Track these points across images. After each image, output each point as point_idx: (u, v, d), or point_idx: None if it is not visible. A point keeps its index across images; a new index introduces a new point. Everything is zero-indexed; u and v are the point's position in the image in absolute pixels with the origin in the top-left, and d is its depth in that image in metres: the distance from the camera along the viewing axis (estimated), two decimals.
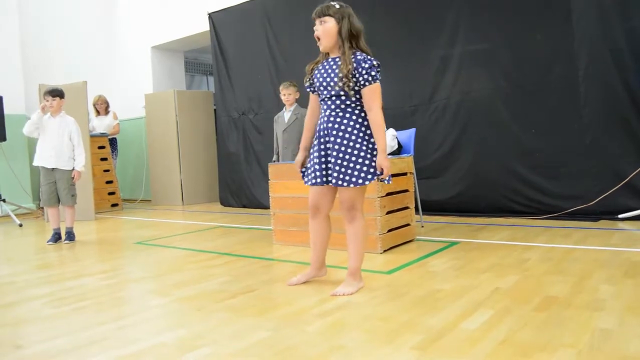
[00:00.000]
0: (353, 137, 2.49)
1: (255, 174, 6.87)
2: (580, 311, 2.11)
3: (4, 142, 6.93)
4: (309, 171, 2.67)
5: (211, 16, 7.26)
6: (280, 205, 4.05)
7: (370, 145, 2.51)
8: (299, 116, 4.96)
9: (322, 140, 2.58)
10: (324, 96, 2.58)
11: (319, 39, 2.54)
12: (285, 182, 4.01)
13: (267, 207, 5.21)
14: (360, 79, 2.44)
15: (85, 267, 3.61)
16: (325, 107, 2.59)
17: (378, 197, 3.46)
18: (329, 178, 2.55)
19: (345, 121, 2.51)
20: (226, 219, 6.01)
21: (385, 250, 3.54)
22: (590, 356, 1.68)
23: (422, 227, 4.50)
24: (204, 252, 3.95)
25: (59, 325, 2.32)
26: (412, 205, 3.91)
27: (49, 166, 4.70)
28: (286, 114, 5.04)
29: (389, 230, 3.58)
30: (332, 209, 2.72)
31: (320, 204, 2.68)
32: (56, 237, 4.71)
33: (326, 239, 2.76)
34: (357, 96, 2.50)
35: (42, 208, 6.46)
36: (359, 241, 2.60)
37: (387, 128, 4.25)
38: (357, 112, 2.52)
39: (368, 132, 2.51)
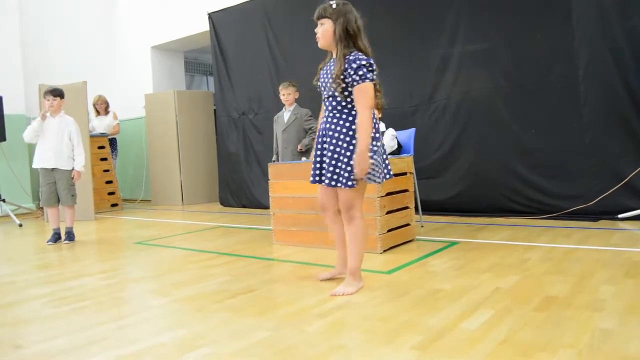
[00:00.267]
0: (347, 138, 2.49)
1: (255, 174, 6.87)
2: (580, 311, 2.11)
3: (3, 142, 6.93)
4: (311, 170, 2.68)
5: (211, 16, 7.26)
6: (280, 205, 4.05)
7: None
8: (298, 116, 4.96)
9: (319, 140, 2.61)
10: (324, 96, 2.60)
11: (318, 39, 2.57)
12: (285, 182, 4.00)
13: (267, 207, 5.21)
14: (350, 79, 2.44)
15: (85, 267, 3.60)
16: (325, 107, 2.61)
17: (378, 197, 3.46)
18: (322, 178, 2.57)
19: (341, 122, 2.52)
20: (226, 219, 6.01)
21: (385, 250, 3.54)
22: (591, 356, 1.68)
23: (422, 227, 4.50)
24: (204, 252, 3.95)
25: (59, 325, 2.31)
26: (412, 205, 3.91)
27: (49, 166, 4.69)
28: (285, 114, 5.04)
29: (389, 230, 3.58)
30: (336, 208, 2.70)
31: (325, 202, 2.70)
32: (56, 237, 4.71)
33: (342, 235, 2.75)
34: (351, 97, 2.50)
35: (42, 208, 6.46)
36: (358, 241, 2.60)
37: (387, 128, 4.26)
38: (351, 112, 2.51)
39: None
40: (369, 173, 2.47)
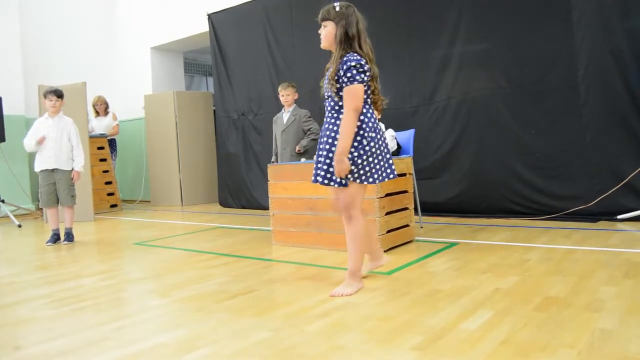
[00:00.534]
0: (338, 138, 2.50)
1: (254, 174, 6.87)
2: (580, 312, 2.11)
3: (3, 143, 6.93)
4: None
5: (210, 17, 7.27)
6: (279, 206, 4.05)
7: (358, 145, 2.49)
8: (297, 117, 4.96)
9: (320, 140, 2.63)
10: (325, 96, 2.63)
11: (321, 40, 2.61)
12: (284, 183, 4.00)
13: (266, 208, 5.21)
14: (340, 80, 2.47)
15: (85, 268, 3.60)
16: (325, 107, 2.65)
17: (377, 198, 3.46)
18: (317, 177, 2.59)
19: (338, 122, 2.53)
20: (225, 219, 6.00)
21: (384, 251, 3.51)
22: (590, 356, 1.68)
23: (422, 227, 4.50)
24: (204, 252, 3.95)
25: (59, 326, 2.31)
26: (412, 206, 3.91)
27: (50, 167, 4.69)
28: (285, 115, 5.04)
29: (388, 231, 3.58)
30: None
31: (336, 201, 2.72)
32: (55, 238, 4.70)
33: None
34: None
35: (41, 209, 6.46)
36: (358, 241, 2.60)
37: (387, 129, 4.26)
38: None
39: (362, 132, 2.49)
40: (355, 173, 2.49)
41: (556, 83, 4.49)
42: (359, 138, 2.50)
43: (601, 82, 4.30)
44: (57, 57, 8.33)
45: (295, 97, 5.02)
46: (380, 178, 2.56)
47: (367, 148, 2.49)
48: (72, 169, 4.76)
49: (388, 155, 2.63)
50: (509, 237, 3.90)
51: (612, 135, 4.28)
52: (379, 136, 2.55)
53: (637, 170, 4.14)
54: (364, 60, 2.48)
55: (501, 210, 4.81)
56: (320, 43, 2.64)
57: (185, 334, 2.09)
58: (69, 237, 4.74)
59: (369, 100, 2.55)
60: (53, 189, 4.72)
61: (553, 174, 4.55)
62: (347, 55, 2.47)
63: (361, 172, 2.50)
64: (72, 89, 6.44)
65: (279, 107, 5.17)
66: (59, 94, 4.73)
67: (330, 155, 2.53)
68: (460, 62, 5.01)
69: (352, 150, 2.48)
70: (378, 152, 2.54)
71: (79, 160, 4.79)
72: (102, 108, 7.88)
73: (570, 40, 4.40)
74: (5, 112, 6.92)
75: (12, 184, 7.25)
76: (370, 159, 2.51)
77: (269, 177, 4.12)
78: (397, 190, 3.72)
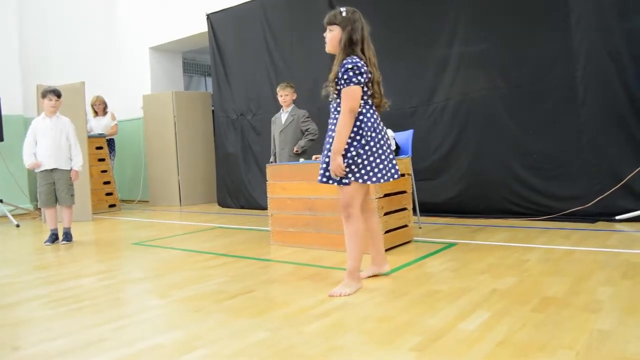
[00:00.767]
0: None
1: (253, 174, 6.87)
2: (578, 312, 2.11)
3: (1, 143, 6.92)
4: None
5: (209, 17, 7.26)
6: (278, 206, 4.05)
7: (357, 145, 2.52)
8: (295, 117, 4.95)
9: (326, 140, 2.67)
10: (330, 98, 2.67)
11: (326, 44, 2.67)
12: (283, 183, 4.01)
13: (265, 208, 5.20)
14: (339, 82, 2.52)
15: (83, 268, 3.60)
16: (330, 109, 2.69)
17: (376, 198, 3.46)
18: (322, 178, 2.63)
19: (335, 121, 2.58)
20: (224, 219, 6.00)
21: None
22: (588, 357, 1.68)
23: (420, 228, 4.51)
24: (202, 252, 3.95)
25: (57, 326, 2.31)
26: (410, 207, 3.91)
27: (49, 167, 4.68)
28: (283, 115, 5.03)
29: (387, 232, 3.58)
30: (362, 205, 2.69)
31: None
32: (53, 238, 4.70)
33: (368, 235, 2.79)
34: None
35: (40, 209, 6.45)
36: (356, 241, 2.62)
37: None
38: None
39: (361, 132, 2.53)
40: (356, 172, 2.52)
41: (554, 84, 4.49)
42: (358, 137, 2.53)
43: (599, 83, 4.30)
44: (55, 57, 8.31)
45: (294, 98, 5.02)
46: (385, 178, 2.59)
47: (366, 147, 2.52)
48: (71, 169, 4.77)
49: (391, 156, 2.65)
50: (508, 237, 3.90)
51: (610, 136, 4.28)
52: (379, 136, 2.57)
53: (635, 171, 4.15)
54: (361, 63, 2.50)
55: (500, 210, 4.81)
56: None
57: (184, 335, 2.09)
58: (67, 237, 4.73)
59: (369, 101, 2.58)
60: (52, 188, 4.71)
61: (551, 175, 4.56)
62: (347, 58, 2.51)
63: (362, 171, 2.53)
64: (70, 89, 6.43)
65: (278, 107, 5.17)
66: (58, 94, 4.73)
67: (327, 153, 2.57)
68: (458, 63, 5.01)
69: (352, 149, 2.52)
70: (380, 152, 2.56)
71: (77, 160, 4.79)
72: (100, 108, 7.87)
73: (569, 41, 4.40)
74: (3, 111, 6.91)
75: (10, 183, 7.24)
76: (371, 159, 2.53)
77: (268, 177, 4.12)
78: (396, 190, 3.73)
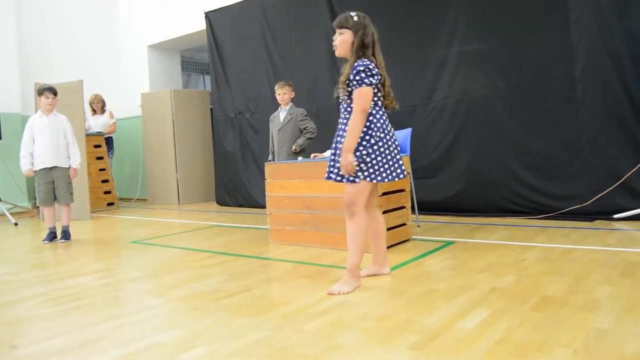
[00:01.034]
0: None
1: (251, 173, 6.86)
2: (576, 311, 2.11)
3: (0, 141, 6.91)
4: None
5: (208, 15, 7.25)
6: (276, 205, 4.05)
7: (366, 144, 2.58)
8: (294, 116, 4.95)
9: (335, 139, 2.71)
10: (340, 99, 2.72)
11: (335, 47, 2.68)
12: (281, 181, 4.00)
13: (263, 207, 5.21)
14: (351, 83, 2.57)
15: (81, 267, 3.60)
16: (340, 110, 2.73)
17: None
18: (331, 175, 2.69)
19: (346, 121, 2.63)
20: (222, 218, 6.00)
21: None
22: (586, 356, 1.68)
23: (419, 226, 4.51)
24: (200, 251, 3.95)
25: (55, 325, 2.31)
26: (408, 205, 3.91)
27: (49, 165, 4.67)
28: (281, 114, 5.03)
29: (385, 230, 3.57)
30: (366, 204, 2.71)
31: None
32: (52, 236, 4.70)
33: (372, 233, 2.82)
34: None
35: (38, 207, 6.44)
36: (358, 238, 2.64)
37: None
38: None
39: (370, 132, 2.59)
40: (365, 171, 2.57)
41: (554, 83, 4.49)
42: (367, 137, 2.59)
43: (599, 83, 4.30)
44: (53, 55, 8.30)
45: (292, 96, 5.01)
46: (390, 177, 2.64)
47: (375, 147, 2.59)
48: (70, 167, 4.76)
49: (398, 156, 2.70)
50: (506, 236, 3.91)
51: (609, 136, 4.29)
52: (388, 137, 2.64)
53: (633, 170, 4.15)
54: (373, 65, 2.57)
55: (499, 209, 4.82)
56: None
57: (182, 334, 2.09)
58: (66, 235, 4.73)
59: (379, 102, 2.64)
60: (51, 187, 4.71)
61: (551, 174, 4.56)
62: (359, 61, 2.58)
63: (370, 170, 2.59)
64: (68, 87, 6.43)
65: (276, 105, 5.17)
66: (54, 91, 4.72)
67: (339, 152, 2.62)
68: (458, 62, 5.01)
69: (361, 148, 2.58)
70: (387, 152, 2.63)
71: (75, 158, 4.79)
72: (99, 106, 7.86)
73: (569, 41, 4.40)
74: (1, 110, 6.90)
75: (9, 181, 7.23)
76: (379, 158, 2.59)
77: (266, 175, 4.12)
78: (394, 189, 3.73)
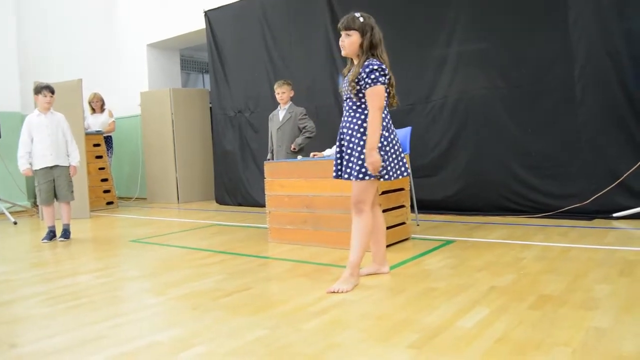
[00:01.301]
0: (357, 135, 2.64)
1: (251, 172, 6.86)
2: (574, 310, 2.12)
3: None
4: None
5: (207, 14, 7.25)
6: (275, 204, 4.05)
7: None
8: (293, 115, 4.95)
9: (339, 137, 2.75)
10: (344, 98, 2.75)
11: (343, 48, 2.71)
12: (280, 180, 4.00)
13: (262, 205, 5.21)
14: (363, 82, 2.60)
15: (81, 265, 3.60)
16: (344, 107, 2.76)
17: None
18: (340, 173, 2.73)
19: (354, 120, 2.67)
20: (222, 217, 6.00)
21: None
22: (584, 354, 1.68)
23: (418, 225, 4.51)
24: (200, 250, 3.95)
25: (55, 323, 2.31)
26: (408, 204, 3.92)
27: (50, 164, 4.67)
28: (281, 112, 5.03)
29: (385, 229, 3.58)
30: (373, 201, 2.75)
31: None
32: (51, 235, 4.70)
33: (375, 232, 2.82)
34: (365, 98, 2.64)
35: (37, 206, 6.44)
36: (363, 236, 2.66)
37: None
38: (364, 112, 2.64)
39: None
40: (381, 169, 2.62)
41: (553, 83, 4.49)
42: None
43: (598, 83, 4.30)
44: (53, 54, 8.29)
45: (291, 95, 5.01)
46: (395, 175, 2.68)
47: (380, 146, 2.61)
48: (70, 165, 4.76)
49: (402, 155, 2.74)
50: (506, 235, 3.91)
51: (608, 136, 4.29)
52: (392, 135, 2.69)
53: (632, 169, 4.15)
54: (384, 65, 2.63)
55: (498, 208, 4.82)
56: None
57: (181, 332, 2.09)
58: (66, 233, 4.73)
59: (385, 101, 2.67)
60: (52, 186, 4.70)
61: (550, 173, 4.56)
62: (369, 60, 2.62)
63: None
64: (67, 86, 6.42)
65: (276, 104, 5.16)
66: (52, 90, 4.72)
67: (349, 151, 2.66)
68: (457, 61, 5.00)
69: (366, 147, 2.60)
70: (392, 150, 2.67)
71: (74, 155, 4.79)
72: (98, 105, 7.85)
73: (568, 41, 4.40)
74: (1, 108, 6.89)
75: (8, 180, 7.23)
76: (385, 157, 2.63)
77: (266, 174, 4.12)
78: (394, 187, 3.73)
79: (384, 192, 3.58)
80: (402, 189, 3.84)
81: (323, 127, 5.37)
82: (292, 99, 5.04)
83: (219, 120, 7.29)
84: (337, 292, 2.54)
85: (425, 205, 5.06)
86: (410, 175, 4.25)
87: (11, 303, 2.70)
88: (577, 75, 4.37)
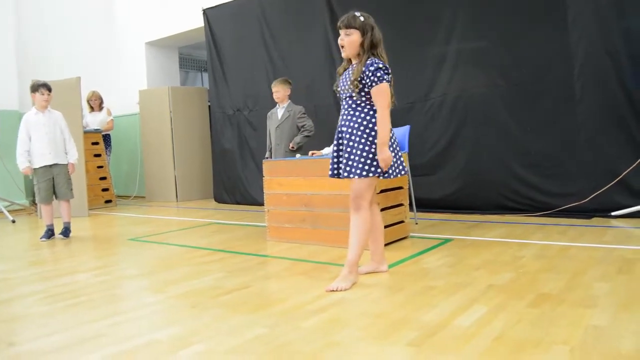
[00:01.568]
0: (359, 133, 2.64)
1: (249, 170, 6.86)
2: (573, 308, 2.12)
3: None
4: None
5: (206, 12, 7.23)
6: (274, 202, 4.05)
7: (373, 140, 2.62)
8: (291, 113, 4.94)
9: (337, 136, 2.76)
10: (343, 97, 2.75)
11: (342, 47, 2.71)
12: (279, 179, 4.00)
13: (261, 204, 5.21)
14: (367, 81, 2.61)
15: (79, 264, 3.59)
16: (342, 106, 2.77)
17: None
18: (339, 171, 2.73)
19: (354, 119, 2.67)
20: (220, 215, 6.00)
21: None
22: (583, 352, 1.69)
23: (416, 224, 4.51)
24: (198, 248, 3.95)
25: (53, 322, 2.31)
26: (406, 202, 3.92)
27: (49, 163, 4.66)
28: (279, 111, 5.02)
29: (383, 227, 3.58)
30: (371, 200, 2.76)
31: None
32: (50, 234, 4.69)
33: (373, 230, 2.82)
34: (367, 96, 2.65)
35: (36, 204, 6.43)
36: (361, 234, 2.66)
37: None
38: (365, 110, 2.65)
39: (375, 128, 2.63)
40: (370, 166, 2.61)
41: (553, 82, 4.49)
42: (373, 134, 2.63)
43: (597, 82, 4.30)
44: (51, 52, 8.26)
45: (287, 93, 4.99)
46: (394, 174, 2.69)
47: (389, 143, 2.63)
48: (68, 162, 4.76)
49: (400, 154, 2.76)
50: (504, 233, 3.91)
51: (608, 134, 4.29)
52: (390, 134, 2.69)
53: (631, 168, 4.16)
54: (387, 64, 2.66)
55: (496, 207, 4.83)
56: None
57: (180, 330, 2.09)
58: (67, 231, 4.73)
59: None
60: (51, 184, 4.70)
61: (549, 172, 4.56)
62: (372, 59, 2.63)
63: (374, 164, 2.62)
64: (66, 84, 6.41)
65: (275, 102, 5.16)
66: (49, 88, 4.71)
67: (349, 149, 2.66)
68: (456, 60, 5.00)
69: (368, 144, 2.62)
70: (391, 148, 2.67)
71: (72, 153, 4.79)
72: (96, 103, 7.84)
73: (567, 40, 4.40)
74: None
75: (6, 179, 7.21)
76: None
77: (264, 173, 4.12)
78: (392, 186, 3.73)
79: (382, 191, 3.58)
80: (400, 188, 3.84)
81: (322, 126, 5.37)
82: (290, 97, 5.03)
83: (218, 119, 7.28)
84: (336, 290, 2.54)
85: (423, 204, 5.06)
86: (409, 174, 4.25)
87: (9, 301, 2.70)
88: (577, 74, 4.37)
